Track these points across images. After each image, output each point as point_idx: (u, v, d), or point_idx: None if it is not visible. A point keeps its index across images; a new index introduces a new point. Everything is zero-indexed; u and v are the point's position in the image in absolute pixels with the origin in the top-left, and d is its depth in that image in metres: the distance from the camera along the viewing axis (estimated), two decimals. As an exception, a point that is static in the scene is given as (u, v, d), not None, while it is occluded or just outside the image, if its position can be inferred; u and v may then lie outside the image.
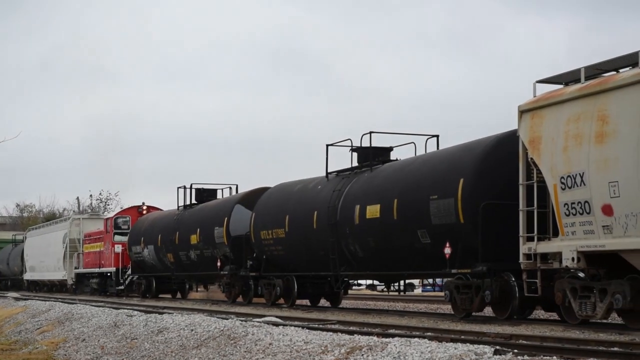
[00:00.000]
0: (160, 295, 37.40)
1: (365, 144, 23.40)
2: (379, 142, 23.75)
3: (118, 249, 39.64)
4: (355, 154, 23.72)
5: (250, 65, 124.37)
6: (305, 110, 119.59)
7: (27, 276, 55.56)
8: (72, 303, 29.61)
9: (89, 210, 79.33)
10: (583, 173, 14.98)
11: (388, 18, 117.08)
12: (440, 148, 21.99)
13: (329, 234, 22.63)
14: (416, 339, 12.03)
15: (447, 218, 18.43)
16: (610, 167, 14.44)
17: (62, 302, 31.22)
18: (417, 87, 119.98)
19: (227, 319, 17.81)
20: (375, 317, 19.67)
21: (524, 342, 12.60)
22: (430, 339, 12.32)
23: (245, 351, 13.49)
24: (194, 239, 31.28)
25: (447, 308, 23.21)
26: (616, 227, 14.42)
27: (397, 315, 19.72)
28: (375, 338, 12.55)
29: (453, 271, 18.44)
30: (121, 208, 44.18)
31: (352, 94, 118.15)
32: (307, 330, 14.46)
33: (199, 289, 39.06)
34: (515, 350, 10.56)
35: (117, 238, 40.02)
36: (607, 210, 14.54)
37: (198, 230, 30.95)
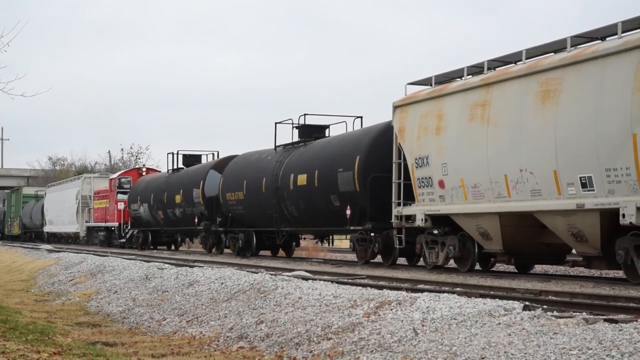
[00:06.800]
0: (159, 247, 42.91)
1: (308, 122, 28.57)
2: (323, 120, 28.92)
3: (120, 206, 44.96)
4: (297, 131, 28.85)
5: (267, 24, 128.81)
6: (321, 69, 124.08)
7: (47, 229, 61.33)
8: (104, 256, 29.99)
9: (120, 165, 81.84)
10: (428, 156, 20.06)
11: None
12: (363, 126, 27.02)
13: (273, 196, 27.86)
14: (445, 294, 11.93)
15: (348, 186, 23.55)
16: (443, 152, 19.53)
17: (94, 254, 31.71)
18: (435, 45, 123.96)
19: (256, 272, 17.93)
20: (404, 272, 19.93)
21: (554, 298, 12.65)
22: (460, 294, 12.26)
23: (275, 305, 13.51)
24: (178, 198, 36.72)
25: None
26: (447, 197, 19.55)
27: (426, 271, 20.32)
28: (404, 293, 12.49)
29: (351, 228, 23.66)
30: (153, 162, 48.70)
31: (369, 51, 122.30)
32: (337, 285, 14.49)
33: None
34: (545, 306, 10.47)
35: (120, 196, 45.32)
36: (441, 184, 19.65)
37: (181, 191, 36.36)
